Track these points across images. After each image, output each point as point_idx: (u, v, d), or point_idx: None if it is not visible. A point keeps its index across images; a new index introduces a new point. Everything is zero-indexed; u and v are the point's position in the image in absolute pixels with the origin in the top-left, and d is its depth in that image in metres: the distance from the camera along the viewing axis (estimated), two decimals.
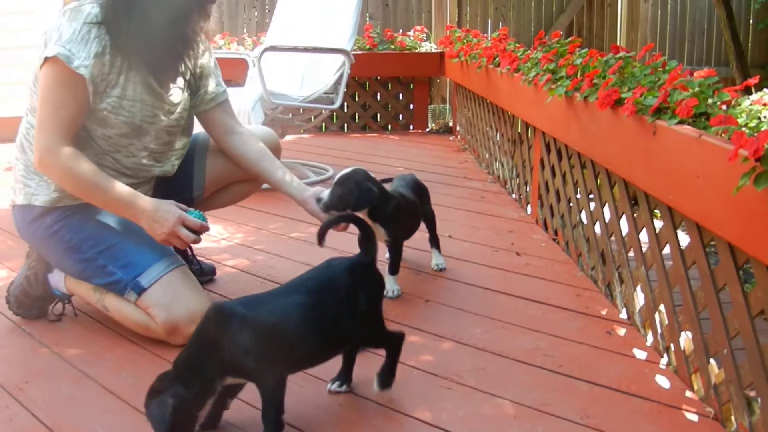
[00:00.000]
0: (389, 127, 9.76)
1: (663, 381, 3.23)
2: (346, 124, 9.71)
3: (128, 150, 3.58)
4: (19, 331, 3.74)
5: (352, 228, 3.19)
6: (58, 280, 3.78)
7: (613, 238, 3.97)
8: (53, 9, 7.71)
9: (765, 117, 2.73)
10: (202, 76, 3.85)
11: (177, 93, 3.71)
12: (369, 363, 3.24)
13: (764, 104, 2.82)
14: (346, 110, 9.61)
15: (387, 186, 4.07)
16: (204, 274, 4.23)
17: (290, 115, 6.93)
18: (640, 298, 3.65)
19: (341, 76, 6.53)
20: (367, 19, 9.93)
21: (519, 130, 5.98)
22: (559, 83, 4.44)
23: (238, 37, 9.38)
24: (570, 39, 4.95)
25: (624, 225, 3.79)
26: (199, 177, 4.03)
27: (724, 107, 2.97)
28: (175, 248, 3.64)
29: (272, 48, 6.31)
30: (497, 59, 6.28)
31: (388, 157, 7.58)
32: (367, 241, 3.10)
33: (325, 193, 3.71)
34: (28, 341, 3.64)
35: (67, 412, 3.02)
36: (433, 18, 10.15)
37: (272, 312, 2.77)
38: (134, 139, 3.57)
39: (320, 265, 3.02)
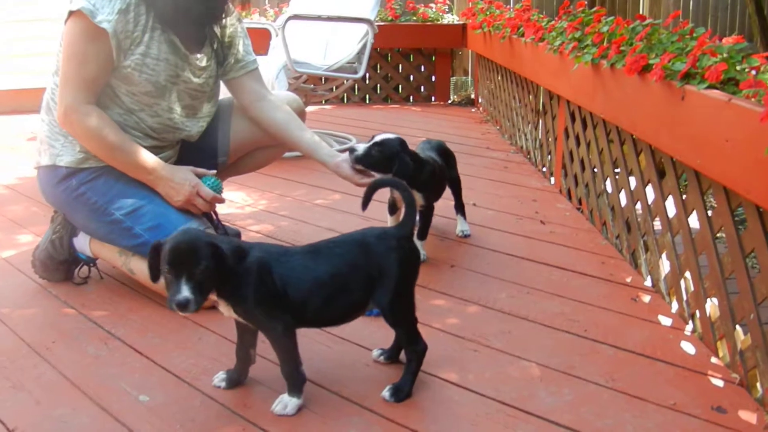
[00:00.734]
0: (411, 98, 9.72)
1: (688, 347, 3.22)
2: (368, 96, 9.70)
3: (153, 109, 3.59)
4: (46, 293, 3.76)
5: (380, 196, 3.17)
6: (83, 243, 3.79)
7: (638, 205, 3.95)
8: None
9: None
10: (231, 44, 3.85)
11: (204, 58, 3.71)
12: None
13: None
14: (368, 81, 9.61)
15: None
16: None
17: (313, 85, 6.91)
18: (665, 266, 3.64)
19: (365, 46, 6.51)
20: None
21: (542, 100, 5.96)
22: (585, 51, 4.42)
23: (260, 8, 9.36)
24: (595, 9, 4.93)
25: (650, 192, 3.78)
26: (223, 143, 4.03)
27: (753, 73, 2.96)
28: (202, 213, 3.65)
29: (296, 16, 6.29)
30: (521, 29, 6.25)
31: (410, 128, 7.57)
32: (407, 210, 2.97)
33: (360, 146, 3.70)
34: (55, 303, 3.66)
35: (94, 371, 3.04)
36: None
37: (291, 267, 2.77)
38: (158, 98, 3.57)
39: (356, 231, 2.99)
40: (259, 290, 2.67)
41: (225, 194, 3.71)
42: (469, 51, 9.47)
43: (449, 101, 9.65)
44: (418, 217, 4.05)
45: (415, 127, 7.68)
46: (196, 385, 2.93)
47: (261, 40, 7.29)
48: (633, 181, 4.00)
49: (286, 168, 5.90)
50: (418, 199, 3.92)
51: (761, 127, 2.48)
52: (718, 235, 3.15)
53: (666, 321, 3.44)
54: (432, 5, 9.69)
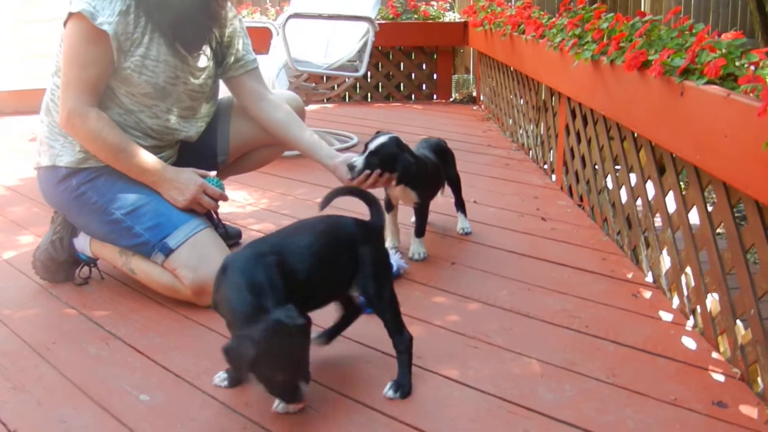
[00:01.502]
0: (413, 96, 9.72)
1: (689, 342, 3.22)
2: (369, 94, 9.70)
3: (152, 111, 3.59)
4: (46, 294, 3.76)
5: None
6: (83, 244, 3.79)
7: (638, 202, 3.95)
8: None
9: None
10: (230, 44, 3.85)
11: (203, 59, 3.72)
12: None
13: None
14: (369, 80, 9.60)
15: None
16: (230, 238, 4.22)
17: (314, 83, 6.92)
18: (666, 261, 3.64)
19: (365, 44, 6.52)
20: None
21: (544, 98, 5.96)
22: (585, 47, 4.42)
23: (261, 7, 9.36)
24: (595, 5, 4.92)
25: (650, 189, 3.78)
26: (223, 142, 4.04)
27: (752, 68, 2.95)
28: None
29: (297, 15, 6.28)
30: (522, 26, 6.26)
31: (412, 126, 7.57)
32: (373, 208, 3.06)
33: (358, 160, 3.68)
34: (55, 304, 3.66)
35: (95, 371, 3.04)
36: None
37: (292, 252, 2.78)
38: (158, 100, 3.58)
39: (328, 216, 3.03)
40: None
41: (228, 192, 3.71)
42: (471, 49, 9.45)
43: (451, 99, 9.65)
44: (413, 216, 4.07)
45: (417, 125, 7.68)
46: (197, 384, 2.92)
47: (262, 38, 7.30)
48: (633, 178, 4.00)
49: (288, 167, 5.90)
50: (412, 196, 3.93)
51: (759, 122, 2.48)
52: (718, 230, 3.14)
53: (667, 316, 3.44)
54: (433, 3, 9.71)
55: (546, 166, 5.89)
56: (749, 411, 2.71)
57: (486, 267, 3.97)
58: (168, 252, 3.49)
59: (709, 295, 3.21)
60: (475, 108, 8.97)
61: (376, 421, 2.69)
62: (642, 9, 10.21)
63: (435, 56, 9.64)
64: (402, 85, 9.73)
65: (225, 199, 3.65)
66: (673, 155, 3.43)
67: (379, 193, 3.51)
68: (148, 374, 3.02)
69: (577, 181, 5.03)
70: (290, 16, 6.11)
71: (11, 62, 8.44)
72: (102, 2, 3.34)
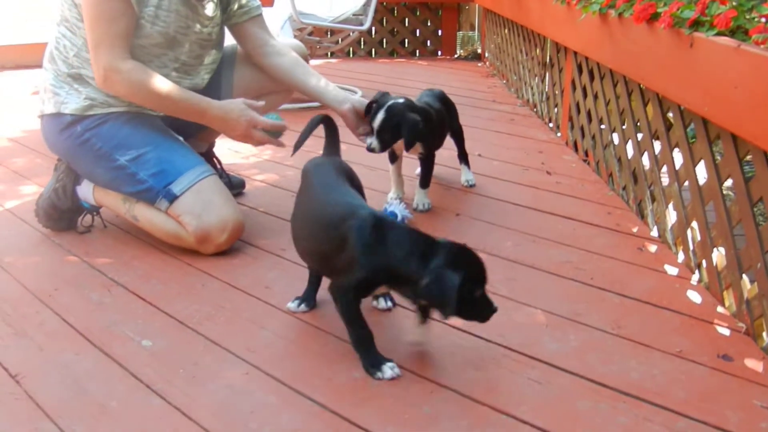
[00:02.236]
0: (417, 53, 9.67)
1: (694, 296, 3.21)
2: (373, 50, 9.63)
3: (161, 60, 3.57)
4: (49, 242, 3.75)
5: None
6: (86, 191, 3.78)
7: (645, 156, 3.93)
8: None
9: None
10: None
11: (210, 6, 3.69)
12: None
13: None
14: (374, 35, 9.54)
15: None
16: (233, 187, 4.22)
17: (318, 38, 6.88)
18: (672, 216, 3.62)
19: None
20: None
21: (550, 53, 5.93)
22: (592, 0, 4.38)
23: None
24: None
25: (656, 142, 3.75)
26: (227, 89, 4.01)
27: (763, 20, 2.93)
28: (206, 160, 3.64)
29: None
30: None
31: (416, 81, 7.53)
32: (331, 139, 3.29)
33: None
34: (58, 251, 3.65)
35: (97, 317, 3.04)
36: None
37: None
38: (167, 49, 3.56)
39: (319, 163, 3.18)
40: None
41: (230, 144, 3.70)
42: (476, 5, 9.38)
43: (456, 56, 9.60)
44: (419, 166, 4.06)
45: (421, 80, 7.63)
46: (200, 330, 2.92)
47: None
48: (640, 133, 3.98)
49: (292, 119, 5.83)
50: (418, 147, 3.90)
51: None
52: (725, 184, 3.12)
53: (672, 270, 3.43)
54: None
55: (551, 122, 5.86)
56: (754, 365, 2.70)
57: (490, 219, 3.96)
58: (172, 198, 3.48)
59: (715, 249, 3.20)
60: (479, 65, 8.92)
61: None
62: None
63: (440, 12, 9.58)
64: (406, 41, 9.67)
65: (281, 127, 3.65)
66: (681, 108, 3.40)
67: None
68: (150, 320, 3.01)
69: (583, 136, 5.00)
70: None
71: (11, 16, 8.38)
72: None
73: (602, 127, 4.61)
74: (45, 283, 3.34)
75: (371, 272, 2.58)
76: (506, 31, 7.61)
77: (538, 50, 6.29)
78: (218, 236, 3.47)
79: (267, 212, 4.10)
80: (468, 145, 4.48)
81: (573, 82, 5.18)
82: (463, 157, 4.50)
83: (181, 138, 3.74)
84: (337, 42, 7.09)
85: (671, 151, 3.59)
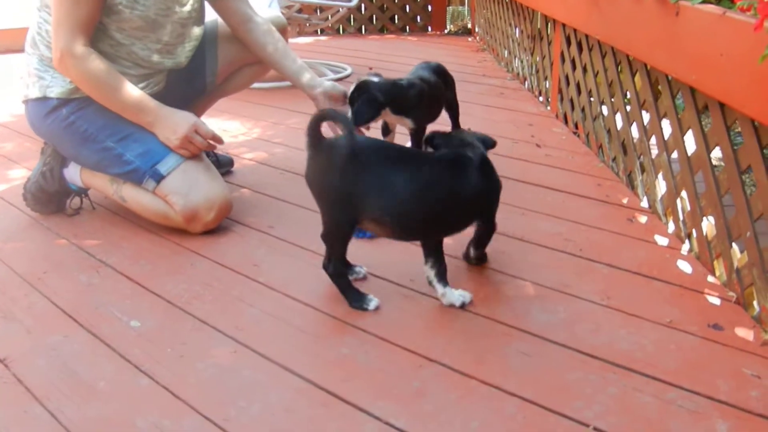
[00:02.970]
0: (407, 28, 9.66)
1: (685, 266, 3.21)
2: (363, 26, 9.61)
3: (143, 42, 3.55)
4: (38, 226, 3.73)
5: None
6: (73, 174, 3.76)
7: (634, 127, 3.92)
8: None
9: None
10: None
11: None
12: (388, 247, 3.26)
13: None
14: (363, 12, 9.51)
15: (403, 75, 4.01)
16: (221, 166, 4.22)
17: (307, 15, 6.86)
18: (661, 186, 3.61)
19: None
20: None
21: (539, 26, 5.91)
22: None
23: None
24: None
25: (645, 113, 3.75)
26: (211, 63, 4.00)
27: None
28: None
29: None
30: None
31: (407, 57, 7.52)
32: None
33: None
34: (47, 234, 3.64)
35: (86, 299, 3.03)
36: None
37: None
38: (149, 32, 3.53)
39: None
40: None
41: (219, 123, 3.68)
42: None
43: (446, 31, 9.58)
44: (409, 140, 4.04)
45: (411, 56, 7.61)
46: (188, 309, 2.92)
47: None
48: (629, 104, 3.97)
49: (281, 97, 5.87)
50: (407, 122, 3.88)
51: (756, 38, 2.44)
52: (714, 153, 3.12)
53: (662, 241, 3.42)
54: None
55: (541, 95, 5.85)
56: (745, 333, 2.70)
57: None
58: (159, 178, 3.46)
59: (704, 218, 3.19)
60: (470, 39, 8.91)
61: (368, 342, 2.68)
62: None
63: None
64: (396, 17, 9.65)
65: (219, 141, 3.61)
66: (669, 77, 3.39)
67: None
68: (138, 301, 3.00)
69: (572, 108, 5.00)
70: None
71: None
72: None
73: (591, 99, 4.60)
74: (34, 266, 3.33)
75: None
76: (495, 4, 7.59)
77: (527, 23, 6.27)
78: (206, 215, 3.46)
79: (255, 190, 4.09)
80: (461, 120, 4.46)
81: (562, 55, 5.16)
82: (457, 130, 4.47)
83: None
84: (326, 19, 7.07)
85: (660, 121, 3.58)
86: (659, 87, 3.53)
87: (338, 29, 9.49)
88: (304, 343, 2.69)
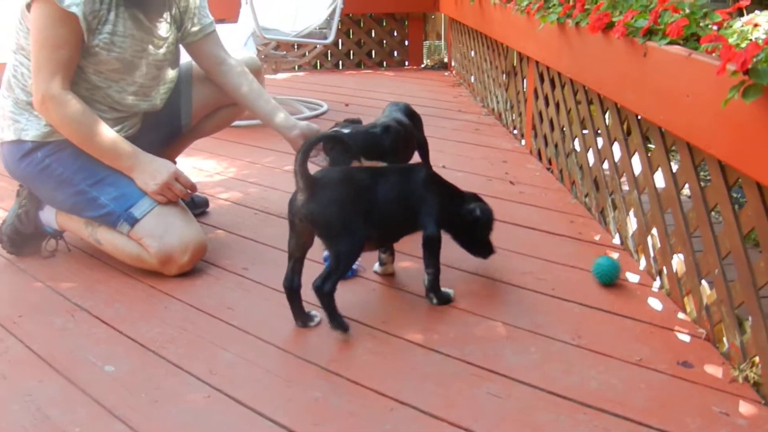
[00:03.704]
0: (384, 63, 9.71)
1: (655, 303, 3.23)
2: (340, 62, 9.66)
3: (119, 85, 3.57)
4: (13, 268, 3.73)
5: None
6: (49, 216, 3.77)
7: (606, 164, 3.96)
8: None
9: (756, 38, 2.71)
10: (187, 9, 3.82)
11: (164, 27, 3.69)
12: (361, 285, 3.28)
13: (755, 25, 2.80)
14: (340, 47, 9.56)
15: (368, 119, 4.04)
16: (196, 207, 4.24)
17: (284, 51, 6.89)
18: (632, 223, 3.65)
19: (334, 11, 6.51)
20: None
21: (513, 62, 5.96)
22: (550, 10, 4.42)
23: None
24: None
25: (617, 151, 3.78)
26: (186, 105, 4.02)
27: (714, 28, 2.96)
28: None
29: None
30: None
31: (383, 92, 7.56)
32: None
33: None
34: (22, 277, 3.64)
35: (61, 343, 3.03)
36: None
37: None
38: (125, 74, 3.56)
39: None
40: None
41: (194, 162, 3.69)
42: (442, 15, 9.42)
43: (422, 65, 9.63)
44: None
45: (388, 91, 7.66)
46: (162, 353, 2.92)
47: (231, 7, 7.27)
48: (600, 141, 4.01)
49: (255, 135, 5.89)
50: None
51: (719, 80, 2.48)
52: (683, 191, 3.15)
53: (634, 278, 3.45)
54: None
55: (516, 131, 5.90)
56: (714, 370, 2.73)
57: None
58: (133, 222, 3.47)
59: (675, 255, 3.22)
60: (446, 74, 8.96)
61: (341, 386, 2.69)
62: None
63: (406, 23, 9.62)
64: (373, 52, 9.71)
65: (195, 189, 3.64)
66: (639, 116, 3.43)
67: None
68: (113, 345, 3.01)
69: (546, 144, 5.03)
70: None
71: None
72: None
73: (564, 135, 4.63)
74: (9, 309, 3.32)
75: None
76: (471, 40, 7.64)
77: (501, 59, 6.32)
78: (180, 257, 3.48)
79: (230, 231, 4.10)
80: (433, 157, 4.48)
81: (535, 91, 5.21)
82: None
83: None
84: (303, 55, 7.10)
85: (630, 158, 3.62)
86: (629, 125, 3.57)
87: (315, 65, 9.52)
88: (277, 387, 2.70)
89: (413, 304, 3.26)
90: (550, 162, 4.98)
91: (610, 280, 3.37)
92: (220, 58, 3.92)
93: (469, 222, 3.34)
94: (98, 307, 3.31)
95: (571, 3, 4.17)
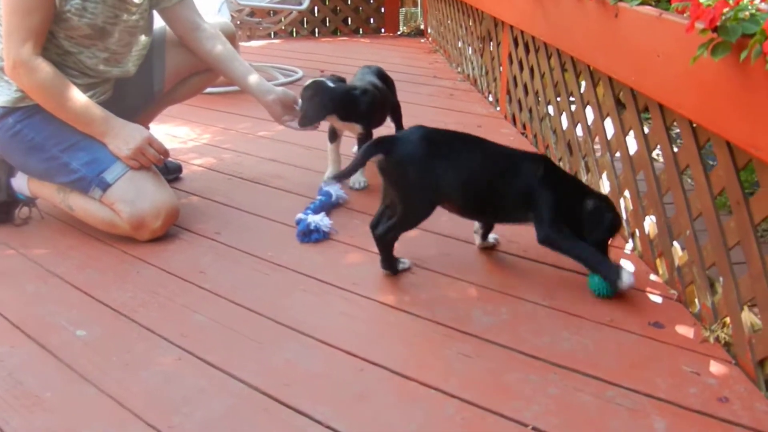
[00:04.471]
0: (360, 31, 9.69)
1: (628, 265, 3.25)
2: (316, 29, 9.62)
3: (91, 51, 3.54)
4: None
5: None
6: (21, 183, 3.75)
7: (579, 127, 3.96)
8: None
9: None
10: None
11: None
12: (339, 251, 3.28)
13: None
14: (316, 14, 9.53)
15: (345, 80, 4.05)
16: (170, 172, 4.22)
17: (259, 18, 6.86)
18: (606, 186, 3.65)
19: None
20: None
21: (488, 28, 5.95)
22: None
23: None
24: None
25: (590, 114, 3.78)
26: (159, 71, 4.00)
27: None
28: None
29: None
30: None
31: (359, 59, 7.51)
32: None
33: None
34: None
35: (33, 309, 3.02)
36: None
37: None
38: (97, 40, 3.53)
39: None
40: None
41: (168, 129, 3.68)
42: None
43: (399, 32, 9.61)
44: (355, 145, 4.07)
45: (364, 58, 7.62)
46: (134, 317, 2.91)
47: None
48: (574, 105, 4.01)
49: (230, 102, 5.88)
50: (356, 128, 3.92)
51: (689, 39, 2.47)
52: (655, 152, 3.16)
53: None
54: None
55: (490, 96, 5.89)
56: (685, 331, 2.75)
57: None
58: (105, 186, 3.46)
59: (647, 218, 3.23)
60: (422, 41, 8.95)
61: (312, 347, 2.70)
62: None
63: None
64: (349, 19, 9.67)
65: (167, 155, 3.63)
66: (611, 78, 3.43)
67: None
68: (85, 310, 3.00)
69: (520, 109, 5.04)
70: None
71: None
72: None
73: (538, 100, 4.64)
74: None
75: None
76: (446, 6, 7.62)
77: (476, 25, 6.30)
78: (153, 222, 3.47)
79: (203, 196, 4.09)
80: (407, 122, 4.46)
81: (510, 56, 5.20)
82: None
83: None
84: (278, 22, 7.07)
85: (603, 121, 3.62)
86: (602, 88, 3.58)
87: (291, 32, 9.48)
88: (247, 349, 2.70)
89: None
90: (524, 127, 4.98)
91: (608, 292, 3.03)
92: (195, 23, 3.90)
93: (585, 220, 3.08)
94: (71, 272, 3.30)
95: None
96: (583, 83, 3.84)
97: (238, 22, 6.32)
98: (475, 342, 2.70)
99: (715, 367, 2.56)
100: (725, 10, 2.27)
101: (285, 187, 4.16)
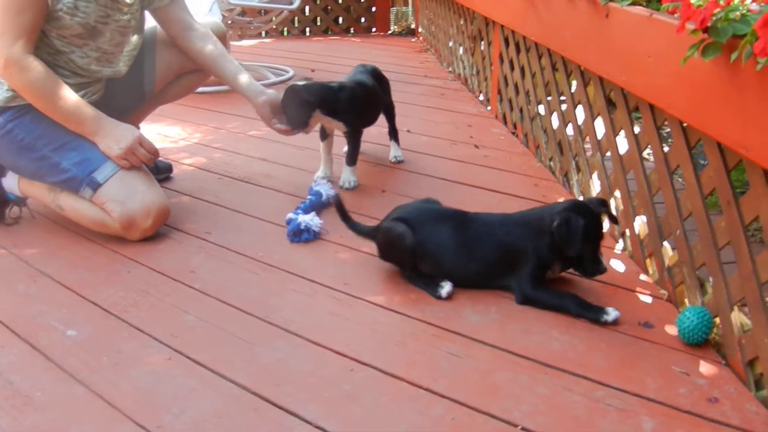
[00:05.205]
0: (351, 30, 9.68)
1: (618, 265, 3.26)
2: (308, 28, 9.62)
3: (82, 50, 3.53)
4: None
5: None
6: (11, 183, 3.74)
7: (570, 127, 3.97)
8: None
9: None
10: None
11: None
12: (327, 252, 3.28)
13: None
14: (307, 14, 9.52)
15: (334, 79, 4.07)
16: (160, 172, 4.22)
17: (250, 18, 6.86)
18: (596, 185, 3.66)
19: None
20: None
21: (479, 27, 5.95)
22: None
23: None
24: None
25: (580, 113, 3.79)
26: (150, 71, 3.99)
27: None
28: None
29: None
30: None
31: (350, 58, 7.52)
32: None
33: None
34: None
35: (23, 309, 3.01)
36: None
37: None
38: (88, 39, 3.52)
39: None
40: None
41: (159, 128, 3.67)
42: None
43: (390, 32, 9.60)
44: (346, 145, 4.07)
45: (354, 58, 7.62)
46: (124, 317, 2.91)
47: None
48: (564, 105, 4.01)
49: (221, 101, 5.87)
50: (339, 125, 3.93)
51: (680, 40, 2.48)
52: (645, 153, 3.16)
53: None
54: None
55: (481, 96, 5.89)
56: (675, 331, 2.74)
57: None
58: (96, 186, 3.45)
59: (637, 217, 3.24)
60: (413, 40, 8.95)
61: (301, 347, 2.71)
62: None
63: None
64: (340, 18, 9.67)
65: (158, 155, 3.63)
66: (602, 78, 3.43)
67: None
68: (75, 309, 3.00)
69: (511, 108, 5.04)
70: None
71: None
72: None
73: (529, 99, 4.64)
74: None
75: None
76: (437, 5, 7.63)
77: (467, 24, 6.31)
78: (143, 222, 3.47)
79: (194, 196, 4.09)
80: (398, 121, 4.50)
81: (501, 56, 5.20)
82: (393, 133, 4.51)
83: None
84: (269, 21, 7.07)
85: (593, 121, 3.62)
86: (593, 88, 3.58)
87: (282, 31, 9.47)
88: (237, 348, 2.70)
89: (375, 267, 3.26)
90: (515, 126, 4.99)
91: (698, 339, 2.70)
92: (186, 23, 3.90)
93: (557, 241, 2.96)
94: (61, 272, 3.30)
95: None
96: (574, 83, 3.85)
97: (229, 22, 6.31)
98: (464, 341, 2.71)
99: (705, 368, 2.56)
100: (716, 10, 2.27)
101: (275, 187, 4.16)
